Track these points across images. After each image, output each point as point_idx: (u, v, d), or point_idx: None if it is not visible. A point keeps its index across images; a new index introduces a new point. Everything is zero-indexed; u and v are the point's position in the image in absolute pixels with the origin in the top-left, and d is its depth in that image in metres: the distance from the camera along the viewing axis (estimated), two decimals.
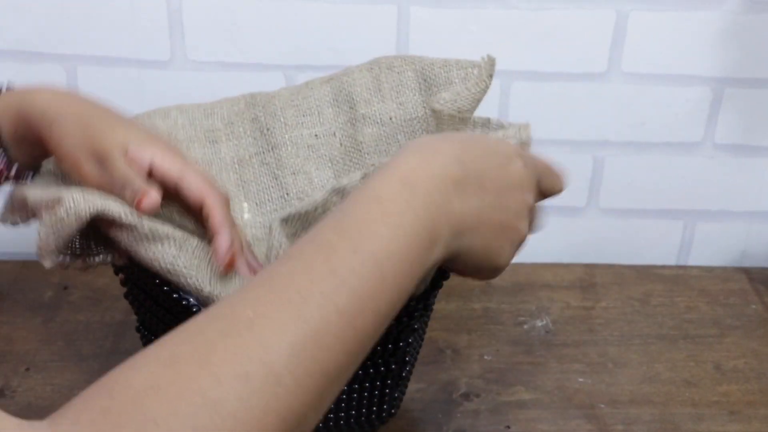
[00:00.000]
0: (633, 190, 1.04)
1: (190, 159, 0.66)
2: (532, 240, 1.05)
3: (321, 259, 0.44)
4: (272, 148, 0.77)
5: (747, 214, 1.06)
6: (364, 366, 0.67)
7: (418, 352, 0.76)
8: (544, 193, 0.59)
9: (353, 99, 0.76)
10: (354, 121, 0.76)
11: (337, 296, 0.43)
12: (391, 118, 0.75)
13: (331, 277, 0.43)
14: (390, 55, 0.78)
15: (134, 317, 0.71)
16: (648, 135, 1.01)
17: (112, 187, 0.60)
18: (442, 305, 0.95)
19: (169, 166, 0.62)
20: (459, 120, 0.68)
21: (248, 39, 0.94)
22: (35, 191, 0.61)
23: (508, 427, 0.80)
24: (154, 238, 0.59)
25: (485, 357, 0.88)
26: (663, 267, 1.05)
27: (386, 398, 0.71)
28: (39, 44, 0.94)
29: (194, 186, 0.62)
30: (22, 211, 0.62)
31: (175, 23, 0.93)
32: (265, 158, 0.77)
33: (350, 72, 0.78)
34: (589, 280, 1.02)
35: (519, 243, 0.57)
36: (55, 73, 0.95)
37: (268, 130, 0.77)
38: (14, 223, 0.64)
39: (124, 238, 0.59)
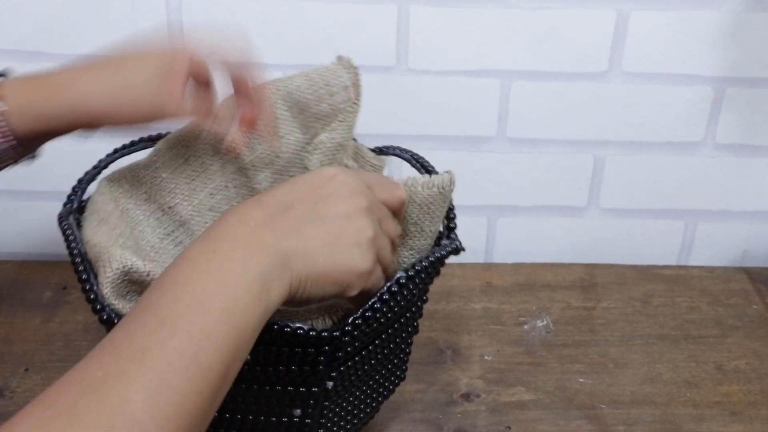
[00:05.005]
0: (634, 189, 1.04)
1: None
2: (533, 240, 1.06)
3: (149, 314, 0.47)
4: (180, 225, 0.72)
5: (748, 213, 1.06)
6: None
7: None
8: (387, 203, 0.60)
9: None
10: (243, 170, 0.73)
11: (172, 341, 0.46)
12: (278, 156, 0.73)
13: (162, 327, 0.46)
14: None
15: None
16: (649, 134, 1.00)
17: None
18: (442, 305, 0.95)
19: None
20: (338, 148, 0.71)
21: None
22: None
23: (509, 427, 0.79)
24: None
25: (486, 357, 0.88)
26: (664, 267, 1.04)
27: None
28: (38, 43, 0.94)
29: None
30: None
31: (174, 23, 0.93)
32: (177, 238, 0.72)
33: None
34: (590, 280, 1.01)
35: (369, 242, 0.56)
36: None
37: (169, 208, 0.72)
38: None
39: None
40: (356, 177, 0.58)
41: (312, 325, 0.59)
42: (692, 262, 1.08)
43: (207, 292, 0.48)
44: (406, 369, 0.73)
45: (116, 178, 0.69)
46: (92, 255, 0.62)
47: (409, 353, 0.73)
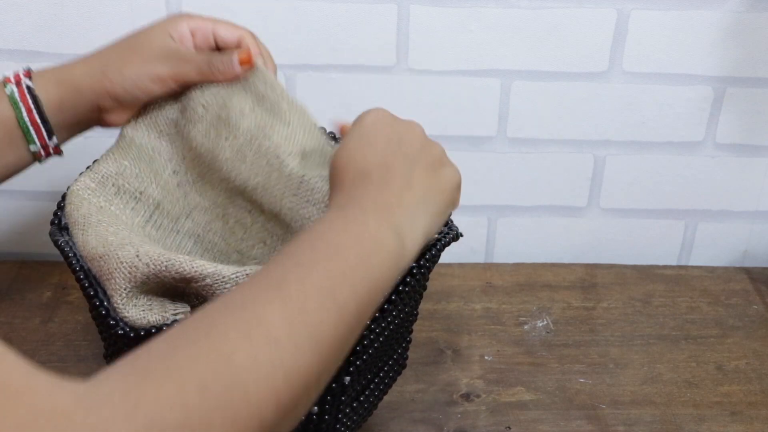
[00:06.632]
0: (634, 189, 1.03)
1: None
2: (533, 240, 1.06)
3: (287, 258, 0.51)
4: (156, 208, 0.72)
5: (748, 213, 1.05)
6: None
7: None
8: None
9: None
10: (189, 140, 0.74)
11: (310, 278, 0.49)
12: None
13: (299, 267, 0.50)
14: None
15: None
16: (649, 134, 1.00)
17: (198, 71, 0.69)
18: (442, 305, 0.95)
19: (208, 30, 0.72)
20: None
21: None
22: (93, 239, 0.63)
23: (509, 427, 0.79)
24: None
25: (486, 357, 0.88)
26: (664, 267, 1.04)
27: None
28: (37, 43, 0.94)
29: (229, 34, 0.72)
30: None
31: None
32: (156, 221, 0.72)
33: None
34: (590, 280, 1.01)
35: (455, 181, 0.63)
36: None
37: (140, 193, 0.71)
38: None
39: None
40: (391, 115, 0.63)
41: None
42: (693, 262, 1.08)
43: (343, 243, 0.52)
44: (407, 357, 0.74)
45: (81, 183, 0.68)
46: (94, 268, 0.62)
47: (410, 341, 0.74)
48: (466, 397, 0.83)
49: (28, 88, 0.68)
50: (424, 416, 0.80)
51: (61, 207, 0.68)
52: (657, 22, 0.94)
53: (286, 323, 0.46)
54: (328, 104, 0.97)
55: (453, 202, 0.62)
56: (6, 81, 0.69)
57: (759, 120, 1.00)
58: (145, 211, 0.70)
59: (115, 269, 0.60)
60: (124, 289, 0.60)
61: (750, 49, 0.96)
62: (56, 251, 0.66)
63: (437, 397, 0.83)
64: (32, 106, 0.68)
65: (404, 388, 0.82)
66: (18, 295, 0.94)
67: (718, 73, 0.97)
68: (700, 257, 1.08)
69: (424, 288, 0.70)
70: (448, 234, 0.67)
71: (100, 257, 0.61)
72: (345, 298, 0.50)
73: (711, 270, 1.04)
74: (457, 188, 0.62)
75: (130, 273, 0.59)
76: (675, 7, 0.93)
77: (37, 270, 0.98)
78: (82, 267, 0.62)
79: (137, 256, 0.60)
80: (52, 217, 0.67)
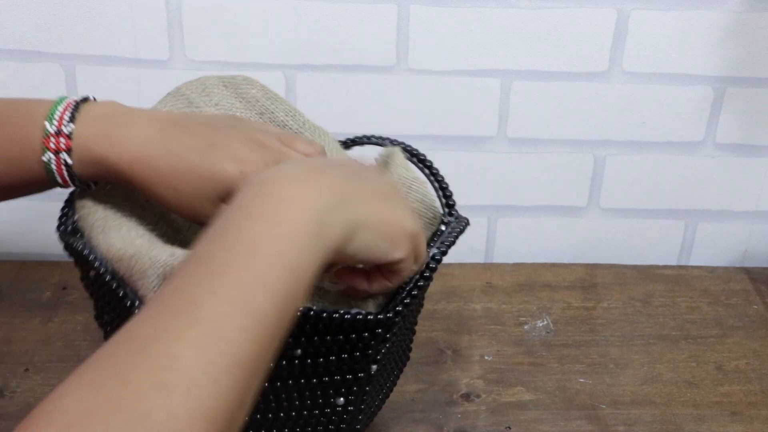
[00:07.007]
0: (634, 189, 1.04)
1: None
2: (533, 240, 1.06)
3: (197, 265, 0.46)
4: (160, 218, 0.71)
5: (748, 213, 1.05)
6: None
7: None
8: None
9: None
10: None
11: (222, 290, 0.44)
12: None
13: (211, 276, 0.45)
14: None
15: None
16: (649, 134, 1.00)
17: None
18: (442, 305, 0.95)
19: None
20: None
21: (247, 38, 0.94)
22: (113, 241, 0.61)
23: (509, 427, 0.79)
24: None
25: (486, 357, 0.88)
26: (664, 267, 1.04)
27: None
28: (37, 43, 0.94)
29: None
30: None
31: (174, 22, 0.93)
32: (161, 229, 0.70)
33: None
34: (590, 280, 1.01)
35: (412, 211, 0.58)
36: (53, 72, 0.95)
37: (146, 201, 0.69)
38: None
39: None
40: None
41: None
42: (693, 262, 1.08)
43: (258, 235, 0.47)
44: (410, 350, 0.75)
45: (91, 190, 0.67)
46: (122, 269, 0.60)
47: (415, 332, 0.75)
48: (466, 397, 0.83)
49: (67, 164, 0.62)
50: (424, 416, 0.80)
51: (66, 212, 0.67)
52: (657, 22, 0.94)
53: (202, 356, 0.42)
54: (328, 104, 0.97)
55: (391, 239, 0.55)
56: (45, 143, 0.61)
57: (759, 120, 1.00)
58: (150, 219, 0.70)
59: (149, 268, 0.58)
60: (158, 288, 0.59)
61: (750, 49, 0.96)
62: (57, 251, 0.65)
63: (437, 397, 0.83)
64: (66, 176, 0.63)
65: (404, 388, 0.82)
66: (18, 295, 0.94)
67: (718, 73, 0.97)
68: (700, 257, 1.08)
69: (431, 278, 0.71)
70: (461, 223, 0.67)
71: (131, 257, 0.60)
72: (263, 308, 0.45)
73: (711, 270, 1.04)
74: (404, 235, 0.56)
75: (165, 271, 0.58)
76: (675, 7, 0.94)
77: (37, 270, 0.98)
78: (107, 268, 0.60)
79: (172, 255, 0.58)
80: (57, 216, 0.65)
